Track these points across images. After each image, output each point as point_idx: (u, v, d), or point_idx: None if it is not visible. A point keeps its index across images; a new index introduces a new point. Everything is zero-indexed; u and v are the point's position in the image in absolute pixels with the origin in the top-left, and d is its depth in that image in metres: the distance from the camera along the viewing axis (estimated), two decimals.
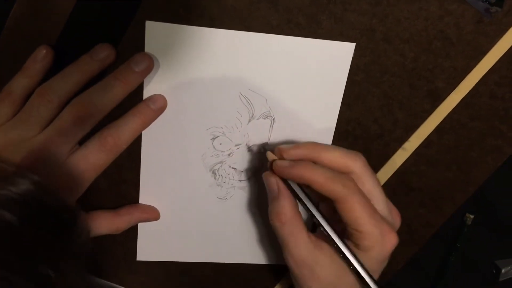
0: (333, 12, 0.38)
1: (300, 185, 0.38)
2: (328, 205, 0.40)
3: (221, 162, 0.44)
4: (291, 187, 0.38)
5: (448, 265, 0.53)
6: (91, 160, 0.37)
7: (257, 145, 0.43)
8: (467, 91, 0.42)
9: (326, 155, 0.38)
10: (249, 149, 0.44)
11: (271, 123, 0.43)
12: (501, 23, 0.40)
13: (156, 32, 0.38)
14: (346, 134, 0.44)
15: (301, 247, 0.38)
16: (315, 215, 0.38)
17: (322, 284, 0.38)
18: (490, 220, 0.52)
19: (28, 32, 0.37)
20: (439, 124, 0.44)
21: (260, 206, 0.46)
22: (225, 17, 0.38)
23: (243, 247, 0.48)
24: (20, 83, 0.37)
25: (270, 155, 0.40)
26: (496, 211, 0.51)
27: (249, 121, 0.42)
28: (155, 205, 0.45)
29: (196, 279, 0.49)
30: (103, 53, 0.37)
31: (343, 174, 0.37)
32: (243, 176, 0.45)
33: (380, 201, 0.38)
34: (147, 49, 0.38)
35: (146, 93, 0.40)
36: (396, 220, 0.40)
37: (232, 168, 0.44)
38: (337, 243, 0.37)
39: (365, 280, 0.37)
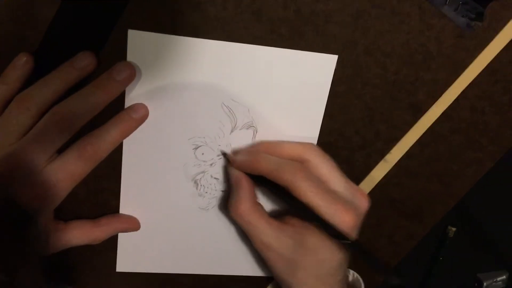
0: (315, 24, 0.39)
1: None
2: None
3: (203, 172, 0.44)
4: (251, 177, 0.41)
5: (431, 278, 0.54)
6: (69, 169, 0.37)
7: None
8: (448, 104, 0.43)
9: (282, 148, 0.41)
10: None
11: (253, 133, 0.43)
12: (481, 38, 0.41)
13: (138, 41, 0.38)
14: (328, 145, 0.44)
15: (262, 233, 0.40)
16: (282, 197, 0.40)
17: (289, 266, 0.41)
18: (472, 233, 0.52)
19: (9, 37, 0.37)
20: (420, 137, 0.44)
21: None
22: (208, 27, 0.38)
23: (224, 258, 0.48)
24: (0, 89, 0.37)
25: (229, 155, 0.43)
26: (478, 224, 0.52)
27: (232, 131, 0.42)
28: (136, 214, 0.44)
29: None
30: (84, 62, 0.37)
31: (292, 162, 0.39)
32: (225, 186, 0.45)
33: (338, 184, 0.40)
34: (129, 58, 0.38)
35: (128, 102, 0.40)
36: (362, 202, 0.42)
37: (214, 178, 0.44)
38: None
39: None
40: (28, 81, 0.37)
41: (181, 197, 0.44)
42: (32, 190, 0.36)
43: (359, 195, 0.42)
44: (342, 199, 0.39)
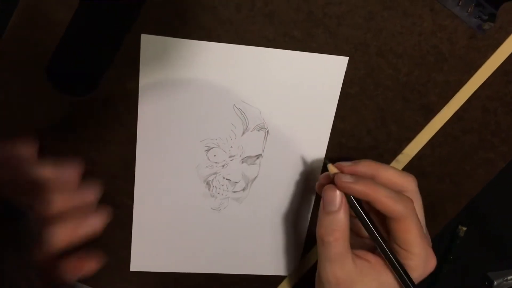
0: (328, 26, 0.39)
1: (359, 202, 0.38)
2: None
3: (215, 173, 0.44)
4: (350, 203, 0.38)
5: (441, 277, 0.54)
6: None
7: (252, 156, 0.44)
8: (460, 105, 0.43)
9: (384, 173, 0.39)
10: (243, 160, 0.44)
11: (265, 135, 0.43)
12: (493, 39, 0.41)
13: (151, 45, 0.38)
14: (340, 146, 0.44)
15: (346, 266, 0.37)
16: (374, 232, 0.38)
17: None
18: (482, 232, 0.52)
19: (26, 42, 0.37)
20: (432, 137, 0.44)
21: (254, 217, 0.46)
22: (221, 30, 0.38)
23: (236, 258, 0.49)
24: None
25: (332, 168, 0.39)
26: (488, 224, 0.52)
27: (243, 133, 0.43)
28: (149, 215, 0.45)
29: None
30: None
31: (403, 194, 0.37)
32: (237, 188, 0.45)
33: (423, 223, 0.39)
34: (142, 61, 0.38)
35: (141, 106, 0.40)
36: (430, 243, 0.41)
37: (226, 179, 0.45)
38: (395, 264, 0.37)
39: None
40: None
41: (194, 198, 0.45)
42: (23, 185, 0.34)
43: (429, 238, 0.40)
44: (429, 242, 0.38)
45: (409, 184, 0.39)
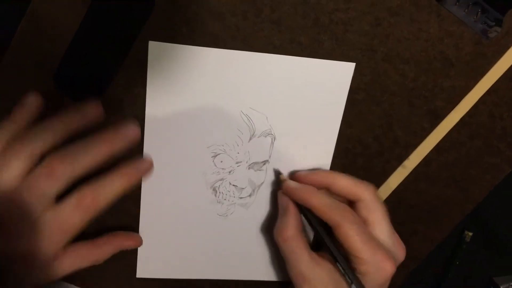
0: (334, 32, 0.39)
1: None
2: None
3: (222, 179, 0.44)
4: (301, 207, 0.41)
5: (447, 282, 0.54)
6: (67, 220, 0.35)
7: (258, 162, 0.44)
8: (466, 111, 0.43)
9: (338, 182, 0.41)
10: (250, 166, 0.44)
11: (271, 141, 0.43)
12: (499, 45, 0.41)
13: (159, 52, 0.38)
14: (346, 152, 0.44)
15: (301, 263, 0.40)
16: (321, 234, 0.40)
17: None
18: (488, 238, 0.53)
19: (34, 50, 0.37)
20: (438, 143, 0.45)
21: (261, 223, 0.47)
22: (229, 37, 0.38)
23: (243, 264, 0.49)
24: (7, 129, 0.35)
25: (282, 177, 0.43)
26: (494, 229, 0.52)
27: (250, 139, 0.43)
28: (156, 221, 0.45)
29: None
30: (91, 112, 0.36)
31: (342, 204, 0.39)
32: (243, 193, 0.45)
33: (384, 231, 0.40)
34: (150, 68, 0.39)
35: (148, 113, 0.40)
36: (400, 252, 0.42)
37: (233, 185, 0.45)
38: (337, 258, 0.39)
39: None
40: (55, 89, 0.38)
41: (200, 204, 0.45)
42: (29, 240, 0.34)
43: (399, 246, 0.42)
44: (384, 247, 0.39)
45: (363, 192, 0.40)
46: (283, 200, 0.42)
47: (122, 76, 0.39)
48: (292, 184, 0.41)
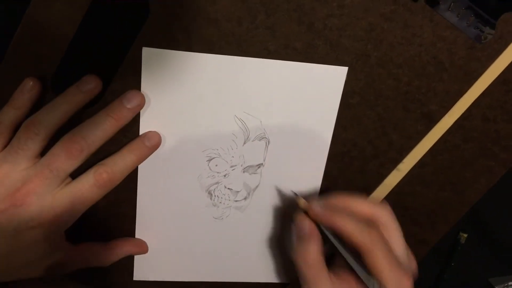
0: (329, 38, 0.40)
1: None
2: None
3: (217, 183, 0.46)
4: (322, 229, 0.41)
5: (443, 283, 0.55)
6: (85, 194, 0.39)
7: (253, 166, 0.45)
8: (460, 114, 0.45)
9: (357, 207, 0.42)
10: (245, 170, 0.45)
11: (266, 144, 0.45)
12: (492, 49, 0.42)
13: (152, 58, 0.39)
14: (342, 155, 0.46)
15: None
16: (345, 257, 0.40)
17: None
18: (483, 239, 0.54)
19: (32, 54, 0.38)
20: (432, 146, 0.46)
21: (256, 225, 0.48)
22: (224, 43, 0.40)
23: (238, 266, 0.50)
24: (8, 114, 0.38)
25: (301, 201, 0.43)
26: (489, 230, 0.54)
27: (245, 142, 0.44)
28: (152, 224, 0.46)
29: None
30: (89, 85, 0.38)
31: (370, 226, 0.40)
32: (238, 197, 0.47)
33: (400, 248, 0.41)
34: (144, 74, 0.40)
35: (143, 118, 0.41)
36: (414, 265, 0.44)
37: (228, 188, 0.46)
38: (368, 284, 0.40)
39: None
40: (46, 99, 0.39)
41: (196, 207, 0.46)
42: (48, 213, 0.38)
43: (412, 258, 0.44)
44: (403, 265, 0.40)
45: (382, 216, 0.42)
46: (305, 223, 0.42)
47: (117, 81, 0.40)
48: (315, 207, 0.42)
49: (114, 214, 0.45)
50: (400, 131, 0.45)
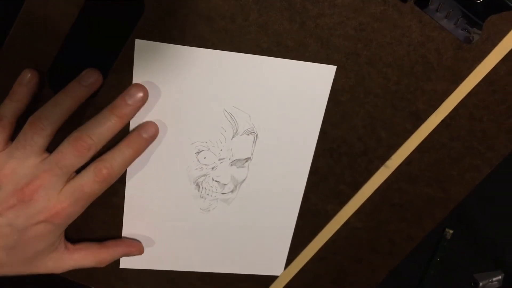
0: (320, 36, 0.45)
1: None
2: None
3: (205, 175, 0.50)
4: None
5: (428, 278, 0.60)
6: (86, 191, 0.43)
7: (241, 159, 0.50)
8: (447, 113, 0.50)
9: None
10: (232, 163, 0.50)
11: (254, 139, 0.49)
12: (479, 50, 0.47)
13: (145, 50, 0.43)
14: (331, 151, 0.50)
15: None
16: None
17: None
18: (469, 235, 0.59)
19: (28, 49, 0.42)
20: (420, 144, 0.51)
21: (242, 218, 0.53)
22: (217, 39, 0.44)
23: (226, 257, 0.55)
24: (9, 107, 0.42)
25: None
26: (475, 227, 0.59)
27: (233, 136, 0.48)
28: (140, 214, 0.51)
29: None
30: (90, 79, 0.42)
31: None
32: (226, 189, 0.51)
33: None
34: (136, 66, 0.44)
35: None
36: None
37: (216, 181, 0.50)
38: None
39: None
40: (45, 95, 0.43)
41: (184, 199, 0.51)
42: (53, 208, 0.43)
43: None
44: None
45: None
46: None
47: (110, 75, 0.44)
48: None
49: (103, 203, 0.49)
50: (388, 129, 0.50)
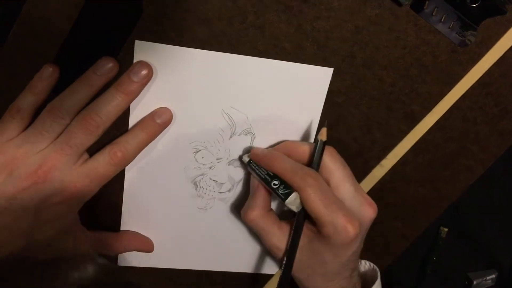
0: (316, 39, 0.46)
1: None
2: None
3: (202, 174, 0.51)
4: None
5: (423, 277, 0.62)
6: (101, 172, 0.45)
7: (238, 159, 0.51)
8: (441, 115, 0.51)
9: (300, 149, 0.48)
10: (230, 163, 0.51)
11: (251, 139, 0.50)
12: (473, 53, 0.49)
13: (144, 51, 0.45)
14: None
15: (272, 237, 0.49)
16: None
17: (298, 264, 0.48)
18: (463, 234, 0.61)
19: (28, 50, 0.43)
20: (414, 144, 0.53)
21: (239, 217, 0.54)
22: (215, 41, 0.45)
23: (221, 256, 0.57)
24: (28, 100, 0.44)
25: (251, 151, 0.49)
26: (469, 227, 0.60)
27: (231, 136, 0.50)
28: (138, 212, 0.52)
29: (183, 286, 0.58)
30: (106, 67, 0.43)
31: (306, 167, 0.46)
32: (223, 189, 0.53)
33: (347, 192, 0.47)
34: None
35: (133, 110, 0.47)
36: (368, 211, 0.48)
37: (213, 180, 0.52)
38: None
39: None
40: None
41: (181, 198, 0.52)
42: (68, 189, 0.44)
43: (366, 204, 0.47)
44: (346, 209, 0.45)
45: (324, 154, 0.47)
46: (252, 182, 0.50)
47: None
48: (257, 151, 0.48)
49: (101, 202, 0.50)
50: (383, 130, 0.52)
